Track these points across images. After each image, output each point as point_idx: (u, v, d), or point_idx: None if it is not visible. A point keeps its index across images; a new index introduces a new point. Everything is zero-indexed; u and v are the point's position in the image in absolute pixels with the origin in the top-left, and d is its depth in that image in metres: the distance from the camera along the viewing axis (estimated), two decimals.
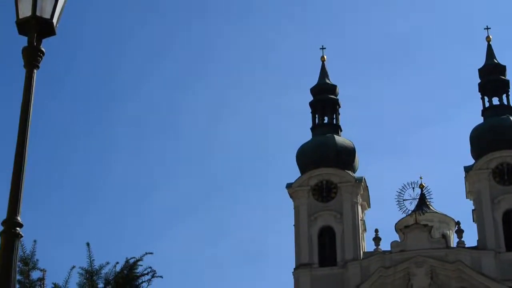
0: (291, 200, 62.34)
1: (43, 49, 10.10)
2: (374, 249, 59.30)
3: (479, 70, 65.04)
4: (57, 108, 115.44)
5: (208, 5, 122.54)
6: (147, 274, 18.38)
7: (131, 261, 18.34)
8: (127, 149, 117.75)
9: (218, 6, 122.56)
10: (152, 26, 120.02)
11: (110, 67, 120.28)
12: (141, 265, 18.47)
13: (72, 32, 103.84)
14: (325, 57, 68.36)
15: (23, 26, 10.06)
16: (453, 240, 62.33)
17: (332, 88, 66.99)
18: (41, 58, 10.06)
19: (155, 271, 18.36)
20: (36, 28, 10.01)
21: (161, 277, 18.69)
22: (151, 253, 18.42)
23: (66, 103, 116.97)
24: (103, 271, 18.27)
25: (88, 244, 18.52)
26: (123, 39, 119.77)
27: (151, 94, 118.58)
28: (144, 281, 18.26)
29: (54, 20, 10.13)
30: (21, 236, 9.27)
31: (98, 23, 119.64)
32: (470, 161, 61.68)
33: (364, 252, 60.07)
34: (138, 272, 18.31)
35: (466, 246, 58.25)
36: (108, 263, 18.33)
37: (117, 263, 18.36)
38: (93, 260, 18.39)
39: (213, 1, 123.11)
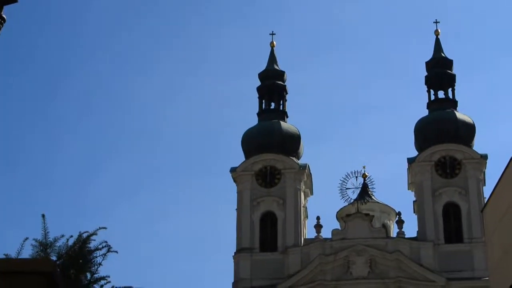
0: (235, 184, 62.32)
1: (4, 16, 9.81)
2: (315, 236, 59.59)
3: (426, 63, 65.52)
4: (14, 77, 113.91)
5: None
6: (101, 248, 18.16)
7: (84, 235, 18.10)
8: (78, 127, 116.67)
9: None
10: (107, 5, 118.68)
11: (67, 40, 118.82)
12: (95, 240, 18.25)
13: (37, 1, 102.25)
14: (274, 43, 68.28)
15: None
16: (393, 231, 62.90)
17: (280, 74, 66.97)
18: (2, 25, 9.78)
19: (110, 246, 18.16)
20: None
21: (116, 252, 18.50)
22: (105, 227, 18.22)
23: (24, 71, 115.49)
24: (57, 244, 17.98)
25: (43, 216, 18.18)
26: (83, 13, 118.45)
27: (102, 72, 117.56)
28: (99, 256, 18.04)
29: None
30: None
31: None
32: (414, 153, 62.29)
33: (305, 239, 60.36)
34: (92, 247, 18.08)
35: (406, 236, 58.89)
36: (63, 236, 18.04)
37: (71, 236, 18.10)
38: (48, 232, 18.08)
39: None
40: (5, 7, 10.16)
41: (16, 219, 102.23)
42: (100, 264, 18.02)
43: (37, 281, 12.04)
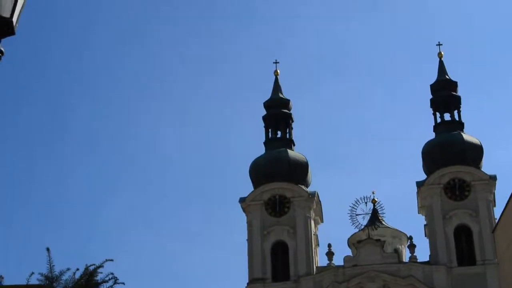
0: (244, 214, 62.14)
1: (2, 48, 9.79)
2: (327, 264, 59.33)
3: (431, 86, 65.50)
4: (16, 108, 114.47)
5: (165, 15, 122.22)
6: (108, 281, 18.03)
7: (91, 268, 17.98)
8: (86, 157, 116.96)
9: (176, 17, 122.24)
10: (119, 20, 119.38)
11: (70, 69, 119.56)
12: (102, 272, 18.12)
13: (34, 33, 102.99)
14: (278, 71, 68.43)
15: None
16: (406, 255, 62.58)
17: (286, 103, 67.02)
18: (0, 58, 9.76)
19: (116, 278, 18.03)
20: None
21: (123, 283, 18.37)
22: (112, 260, 18.11)
23: (24, 105, 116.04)
24: (63, 278, 17.85)
25: (48, 250, 18.06)
26: (84, 42, 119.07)
27: (109, 99, 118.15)
28: None
29: (14, 19, 9.82)
30: None
31: (60, 24, 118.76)
32: (422, 176, 62.09)
33: (317, 267, 60.02)
34: (98, 279, 17.95)
35: (418, 261, 58.57)
36: (68, 269, 17.92)
37: (77, 269, 17.98)
38: (53, 266, 17.94)
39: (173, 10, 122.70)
40: (3, 40, 10.15)
41: (22, 254, 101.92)
42: None
43: None
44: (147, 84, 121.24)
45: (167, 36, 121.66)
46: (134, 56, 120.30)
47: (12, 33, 9.93)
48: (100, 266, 17.92)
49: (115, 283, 17.90)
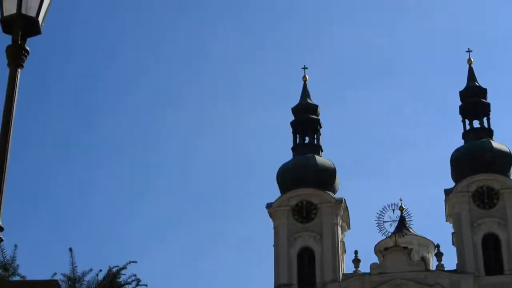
0: (271, 220, 62.02)
1: (27, 48, 9.81)
2: (354, 271, 59.07)
3: (460, 92, 65.06)
4: (42, 110, 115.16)
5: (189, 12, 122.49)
6: (131, 283, 17.95)
7: (114, 269, 17.91)
8: (112, 159, 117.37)
9: (204, 18, 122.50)
10: (145, 26, 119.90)
11: (96, 71, 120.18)
12: (124, 274, 18.06)
13: (59, 32, 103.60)
14: (307, 76, 68.34)
15: (7, 24, 9.77)
16: (433, 263, 62.13)
17: (314, 108, 66.88)
18: (26, 57, 9.78)
19: (139, 279, 17.94)
20: (21, 26, 9.72)
21: (146, 285, 18.28)
22: (135, 261, 18.02)
23: (52, 105, 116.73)
24: (86, 279, 17.80)
25: (70, 250, 17.99)
26: (111, 43, 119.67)
27: (136, 106, 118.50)
28: None
29: (40, 19, 9.85)
30: (2, 240, 8.95)
31: (87, 23, 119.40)
32: (451, 183, 61.66)
33: (343, 274, 59.74)
34: (121, 281, 17.87)
35: (446, 269, 58.13)
36: (91, 270, 17.83)
37: (100, 270, 17.89)
38: (76, 266, 17.89)
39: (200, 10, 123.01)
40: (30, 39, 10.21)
41: (45, 253, 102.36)
42: None
43: None
44: (174, 88, 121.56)
45: (193, 36, 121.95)
46: (159, 62, 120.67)
47: (38, 33, 9.96)
48: (124, 267, 17.84)
49: (137, 284, 17.82)
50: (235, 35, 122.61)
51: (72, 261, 17.71)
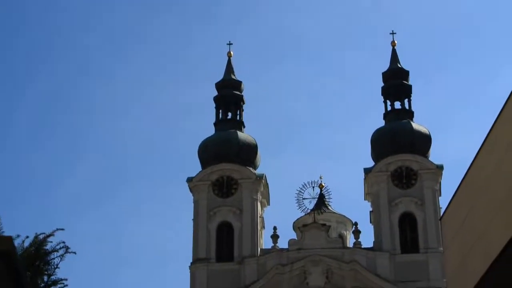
0: (191, 194, 61.96)
1: None
2: (272, 247, 59.43)
3: (383, 73, 65.72)
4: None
5: None
6: (58, 250, 17.70)
7: (41, 236, 17.63)
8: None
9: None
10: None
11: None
12: (52, 242, 17.80)
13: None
14: (231, 52, 68.12)
15: None
16: (350, 241, 62.97)
17: (237, 84, 66.80)
18: None
19: (68, 247, 17.71)
20: None
21: (75, 253, 18.07)
22: (62, 229, 17.79)
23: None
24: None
25: None
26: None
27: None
28: (56, 257, 17.57)
29: None
30: None
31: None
32: (370, 163, 62.40)
33: (261, 249, 60.14)
34: (48, 249, 17.60)
35: (362, 247, 58.91)
36: (18, 236, 17.55)
37: (27, 237, 17.62)
38: (3, 232, 17.57)
39: None
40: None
41: None
42: (57, 266, 17.59)
43: None
44: (102, 62, 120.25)
45: (119, 16, 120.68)
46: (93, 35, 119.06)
47: None
48: (51, 234, 17.60)
49: (66, 252, 17.60)
50: (164, 9, 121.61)
51: None
